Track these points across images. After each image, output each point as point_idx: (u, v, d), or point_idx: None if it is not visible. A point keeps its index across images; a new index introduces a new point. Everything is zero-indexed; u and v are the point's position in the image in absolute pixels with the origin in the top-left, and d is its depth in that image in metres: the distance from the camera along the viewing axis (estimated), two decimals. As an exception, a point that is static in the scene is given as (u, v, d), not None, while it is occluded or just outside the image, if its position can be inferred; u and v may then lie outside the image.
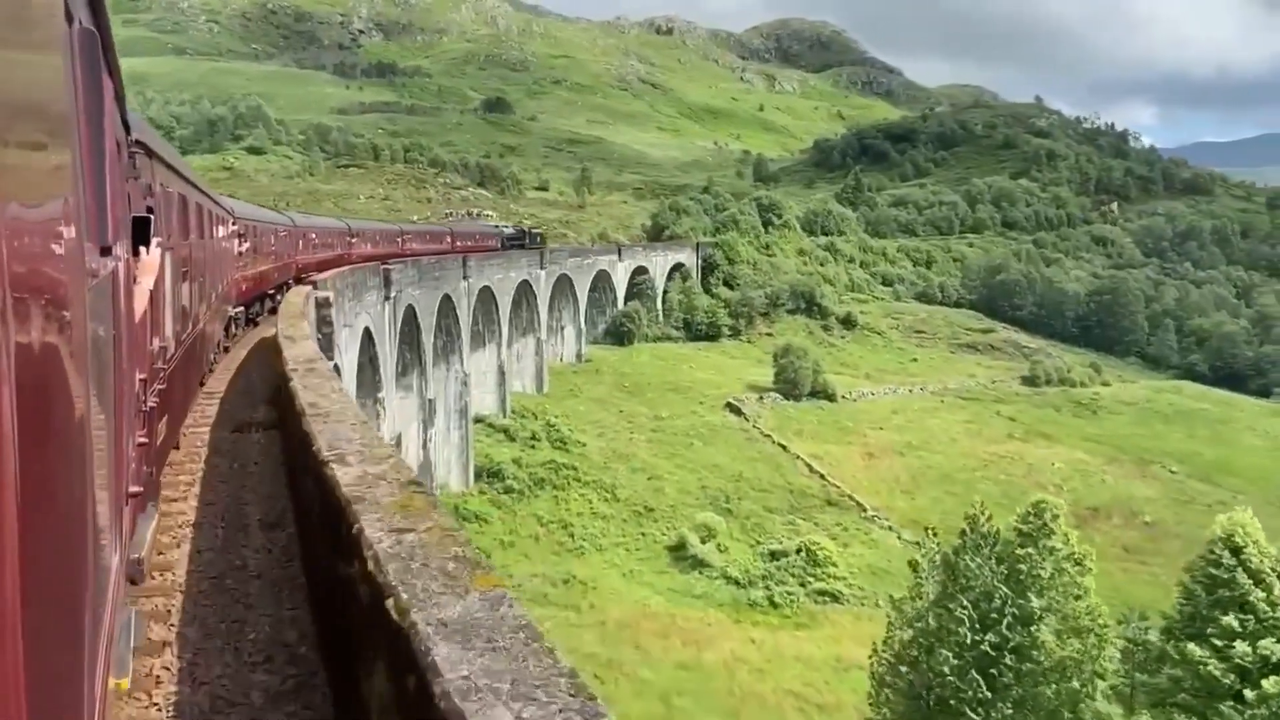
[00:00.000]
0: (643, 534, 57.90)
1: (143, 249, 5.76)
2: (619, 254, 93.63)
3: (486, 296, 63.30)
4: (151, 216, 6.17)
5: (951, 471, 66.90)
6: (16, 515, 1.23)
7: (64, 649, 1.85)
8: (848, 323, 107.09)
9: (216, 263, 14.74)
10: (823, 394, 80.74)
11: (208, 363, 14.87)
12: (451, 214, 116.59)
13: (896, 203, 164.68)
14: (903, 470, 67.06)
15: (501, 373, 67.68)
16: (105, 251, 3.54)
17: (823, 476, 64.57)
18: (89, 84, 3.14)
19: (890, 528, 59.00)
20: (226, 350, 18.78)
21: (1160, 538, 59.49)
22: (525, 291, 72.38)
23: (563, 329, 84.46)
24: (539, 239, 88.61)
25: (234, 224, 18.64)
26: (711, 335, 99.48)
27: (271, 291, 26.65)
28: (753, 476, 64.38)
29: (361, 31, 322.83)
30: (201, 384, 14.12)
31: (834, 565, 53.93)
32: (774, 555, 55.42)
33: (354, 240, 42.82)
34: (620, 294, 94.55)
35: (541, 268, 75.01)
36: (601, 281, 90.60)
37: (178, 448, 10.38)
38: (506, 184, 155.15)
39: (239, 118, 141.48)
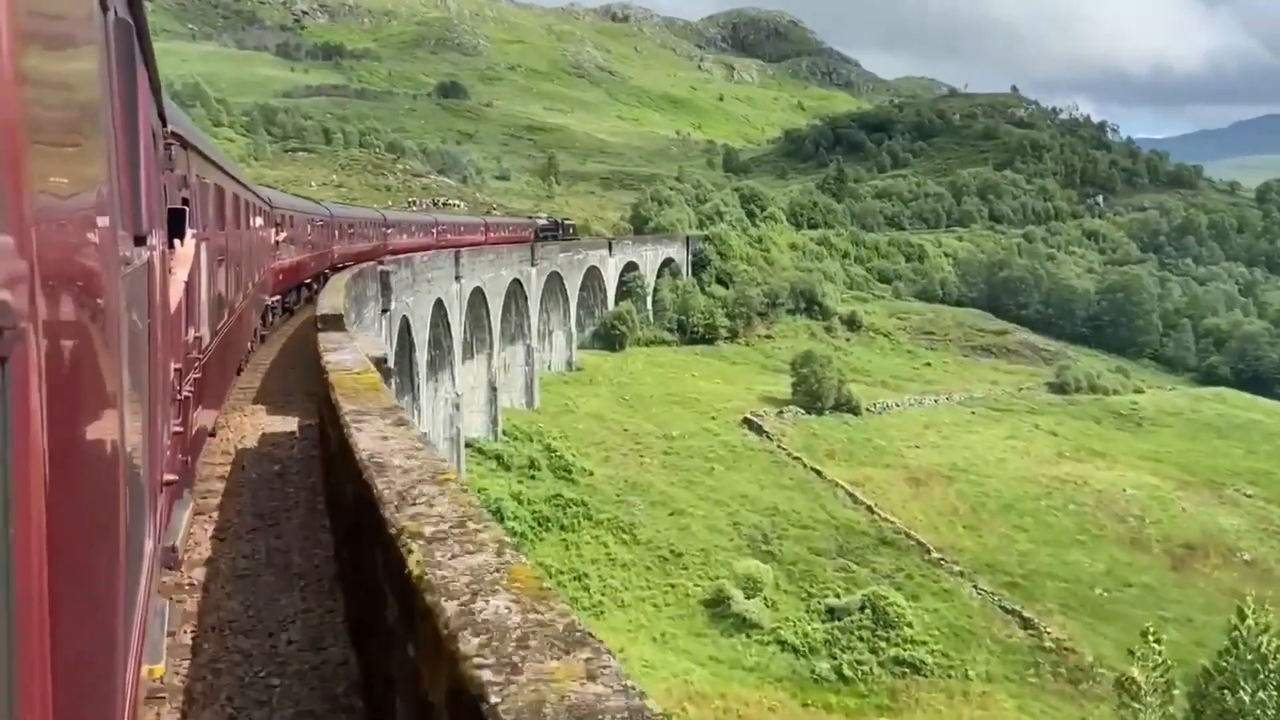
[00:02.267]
0: (671, 585, 48.37)
1: (178, 240, 5.63)
2: (609, 248, 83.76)
3: (476, 300, 53.33)
4: (187, 208, 6.08)
5: (1013, 500, 58.22)
6: (45, 503, 1.24)
7: (95, 635, 1.86)
8: (852, 324, 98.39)
9: (253, 253, 14.43)
10: (846, 406, 71.76)
11: (244, 352, 14.37)
12: (415, 203, 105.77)
13: (879, 194, 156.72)
14: (957, 499, 58.24)
15: (492, 388, 57.69)
16: (140, 241, 3.48)
17: (870, 509, 55.51)
18: (124, 75, 3.09)
19: (962, 573, 50.05)
20: (263, 339, 18.35)
21: (1267, 580, 51.29)
22: (515, 292, 62.38)
23: (551, 334, 74.50)
24: (572, 231, 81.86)
25: (270, 214, 18.09)
26: (708, 338, 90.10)
27: (308, 281, 26.17)
28: (790, 510, 55.13)
29: (305, 12, 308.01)
30: (238, 372, 13.69)
31: (908, 625, 44.86)
32: (833, 613, 46.21)
33: (389, 231, 41.32)
34: (611, 293, 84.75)
35: (533, 264, 64.99)
36: (591, 279, 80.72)
37: (213, 435, 10.15)
38: (469, 172, 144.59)
39: (175, 97, 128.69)
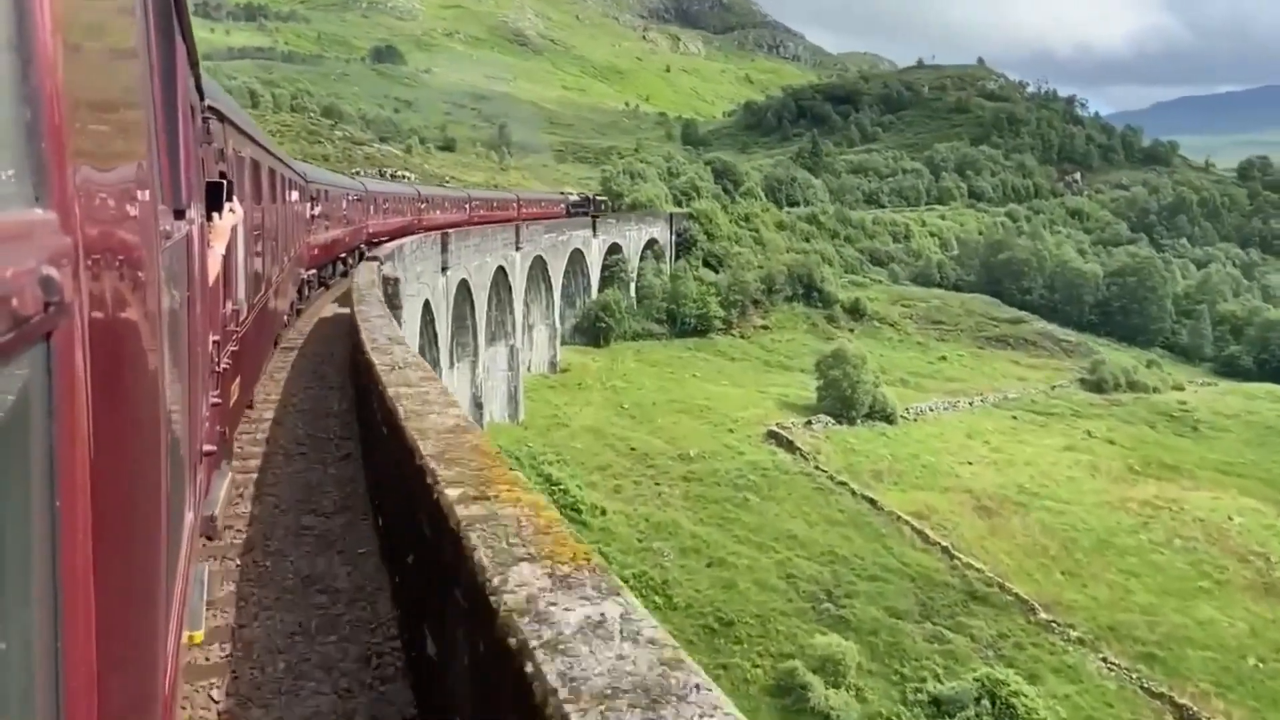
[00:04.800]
0: (723, 666, 37.50)
1: (216, 214, 5.73)
2: (593, 228, 72.16)
3: (461, 296, 41.78)
4: (225, 181, 6.10)
5: (1106, 535, 48.53)
6: (89, 473, 1.27)
7: (138, 603, 1.92)
8: (855, 312, 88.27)
9: (289, 227, 14.48)
10: (879, 414, 61.61)
11: (281, 325, 14.51)
12: (360, 174, 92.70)
13: (855, 169, 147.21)
14: (1041, 534, 48.36)
15: (477, 405, 46.22)
16: (179, 215, 3.49)
17: (947, 551, 45.28)
18: (163, 47, 3.09)
19: (1082, 640, 40.06)
20: (299, 313, 18.67)
21: None
22: (499, 283, 50.80)
23: (531, 329, 62.92)
24: (603, 206, 72.95)
25: (306, 189, 18.14)
26: (701, 330, 79.24)
27: (343, 255, 26.36)
28: (851, 555, 44.64)
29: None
30: (275, 344, 13.64)
31: (1041, 722, 34.70)
32: (940, 705, 35.81)
33: (423, 206, 40.65)
34: (594, 279, 73.39)
35: (517, 248, 53.34)
36: (574, 264, 69.20)
37: (251, 407, 10.26)
38: (412, 141, 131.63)
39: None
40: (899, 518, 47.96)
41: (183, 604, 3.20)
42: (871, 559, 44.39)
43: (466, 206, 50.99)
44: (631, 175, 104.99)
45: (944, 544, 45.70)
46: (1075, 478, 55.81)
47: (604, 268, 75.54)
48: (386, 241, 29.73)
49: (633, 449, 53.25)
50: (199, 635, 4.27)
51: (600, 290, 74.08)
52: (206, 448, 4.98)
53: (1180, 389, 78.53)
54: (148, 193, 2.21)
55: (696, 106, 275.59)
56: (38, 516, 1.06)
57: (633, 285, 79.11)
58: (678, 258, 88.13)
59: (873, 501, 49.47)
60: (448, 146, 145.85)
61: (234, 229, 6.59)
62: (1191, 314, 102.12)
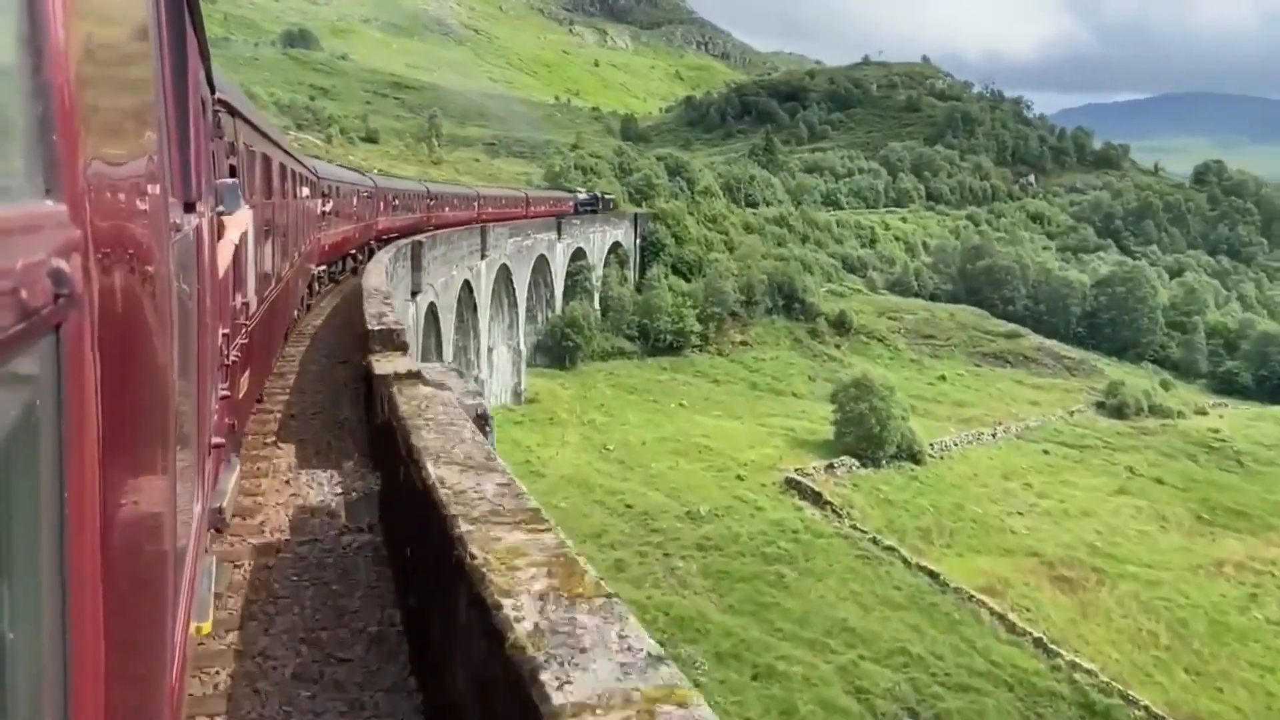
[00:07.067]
0: (799, 835, 27.48)
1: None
2: (558, 230, 61.44)
3: (429, 322, 31.10)
4: (235, 179, 6.08)
5: (1216, 614, 39.88)
6: (98, 464, 1.27)
7: (146, 594, 1.93)
8: (840, 326, 79.20)
9: (299, 222, 14.24)
10: (905, 452, 52.40)
11: (290, 320, 14.09)
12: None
13: (810, 169, 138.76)
14: (1140, 613, 39.43)
15: (443, 464, 35.19)
16: (189, 208, 3.48)
17: (1041, 645, 35.94)
18: (174, 40, 3.08)
19: (1242, 774, 31.10)
20: (309, 308, 18.35)
21: None
22: (464, 300, 40.05)
23: (491, 351, 52.07)
24: (612, 205, 70.03)
25: (317, 184, 17.82)
26: (676, 347, 69.21)
27: (353, 252, 26.15)
28: (925, 652, 34.96)
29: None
30: (285, 338, 13.38)
31: None
32: None
33: (432, 204, 39.32)
34: (559, 289, 62.80)
35: (482, 256, 42.57)
36: (537, 273, 58.51)
37: (260, 400, 10.02)
38: (333, 130, 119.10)
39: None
40: (970, 596, 38.52)
41: (191, 595, 3.16)
42: (953, 658, 34.77)
43: (475, 205, 47.35)
44: (584, 170, 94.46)
45: (1035, 634, 36.36)
46: (1146, 532, 47.29)
47: (568, 276, 65.03)
48: (398, 238, 28.77)
49: (629, 506, 42.89)
50: (206, 627, 4.19)
51: (566, 302, 63.57)
52: (215, 440, 4.90)
53: (1204, 413, 71.28)
54: (158, 186, 2.19)
55: (628, 102, 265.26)
56: (46, 507, 1.07)
57: (597, 296, 68.79)
58: (644, 263, 78.06)
59: (934, 575, 39.95)
60: (371, 138, 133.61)
61: (244, 223, 6.35)
62: (1182, 326, 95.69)
